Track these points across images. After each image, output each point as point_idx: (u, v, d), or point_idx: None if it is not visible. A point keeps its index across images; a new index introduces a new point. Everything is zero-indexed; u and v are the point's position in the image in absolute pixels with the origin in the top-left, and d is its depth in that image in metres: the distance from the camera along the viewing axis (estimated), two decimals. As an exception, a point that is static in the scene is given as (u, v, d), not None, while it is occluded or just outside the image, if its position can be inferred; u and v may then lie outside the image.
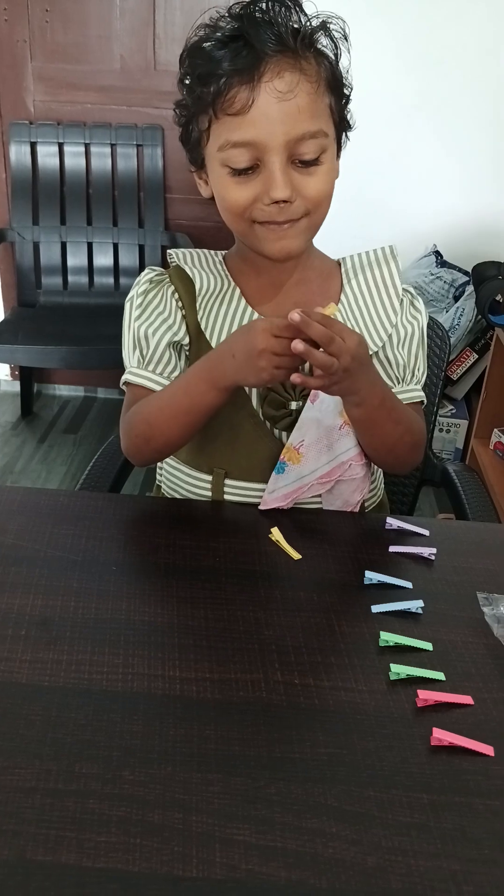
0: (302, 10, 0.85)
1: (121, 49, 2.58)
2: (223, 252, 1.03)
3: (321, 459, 0.96)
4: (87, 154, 2.60)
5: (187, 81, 0.88)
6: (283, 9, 0.84)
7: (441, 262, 2.61)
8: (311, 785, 0.62)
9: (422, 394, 1.02)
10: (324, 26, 0.86)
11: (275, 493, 0.96)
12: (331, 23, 0.86)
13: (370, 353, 0.99)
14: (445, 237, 2.68)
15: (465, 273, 2.58)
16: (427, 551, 0.90)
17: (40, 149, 2.58)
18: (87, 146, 2.60)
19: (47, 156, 2.59)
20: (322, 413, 0.95)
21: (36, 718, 0.66)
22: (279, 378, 0.83)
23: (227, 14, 0.85)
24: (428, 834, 0.59)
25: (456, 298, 2.54)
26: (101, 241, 2.65)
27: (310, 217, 0.88)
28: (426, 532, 0.94)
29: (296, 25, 0.84)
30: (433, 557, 0.90)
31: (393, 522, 0.95)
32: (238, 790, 0.61)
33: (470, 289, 2.48)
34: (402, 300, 1.00)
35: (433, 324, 1.30)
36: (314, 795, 0.61)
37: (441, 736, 0.66)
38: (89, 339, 2.34)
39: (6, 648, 0.73)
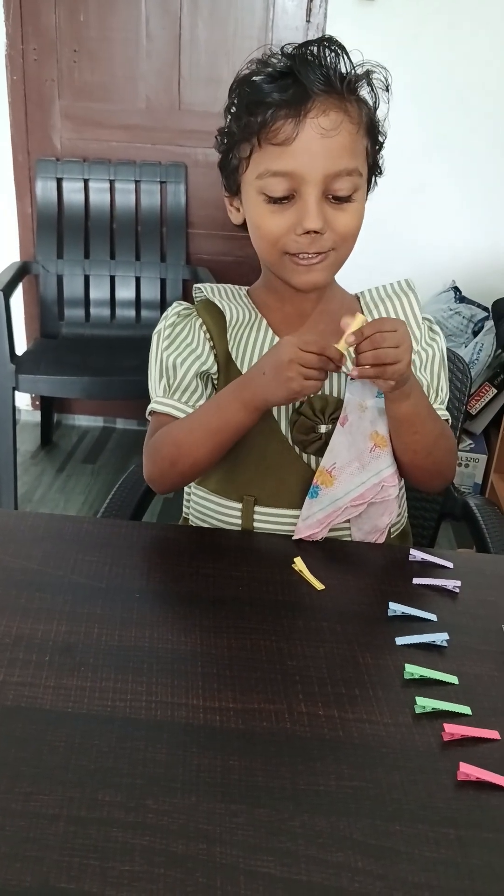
0: (349, 58, 0.89)
1: (146, 89, 2.64)
2: (246, 287, 1.06)
3: (354, 481, 0.97)
4: (112, 190, 2.65)
5: (234, 110, 0.92)
6: (332, 54, 0.88)
7: (460, 298, 2.63)
8: (336, 818, 0.61)
9: (447, 413, 1.04)
10: (368, 75, 0.90)
11: (309, 520, 0.96)
12: (375, 72, 0.91)
13: None
14: (464, 273, 2.70)
15: (484, 309, 2.59)
16: (451, 584, 0.89)
17: (66, 185, 2.63)
18: (111, 182, 2.65)
19: (73, 191, 2.64)
20: (353, 435, 0.96)
21: (59, 745, 0.66)
22: (308, 389, 0.84)
23: (279, 52, 0.89)
24: (455, 870, 0.58)
25: (475, 333, 2.55)
26: (124, 275, 2.69)
27: (336, 252, 0.92)
28: (450, 564, 0.94)
29: (343, 70, 0.88)
30: (457, 590, 0.89)
31: (417, 554, 0.95)
32: (263, 822, 0.60)
33: (489, 324, 2.49)
34: (421, 329, 1.02)
35: (454, 357, 1.31)
36: (339, 829, 0.60)
37: (468, 771, 0.65)
38: (110, 370, 2.37)
39: (30, 674, 0.73)
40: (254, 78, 0.90)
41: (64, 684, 0.72)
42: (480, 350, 2.45)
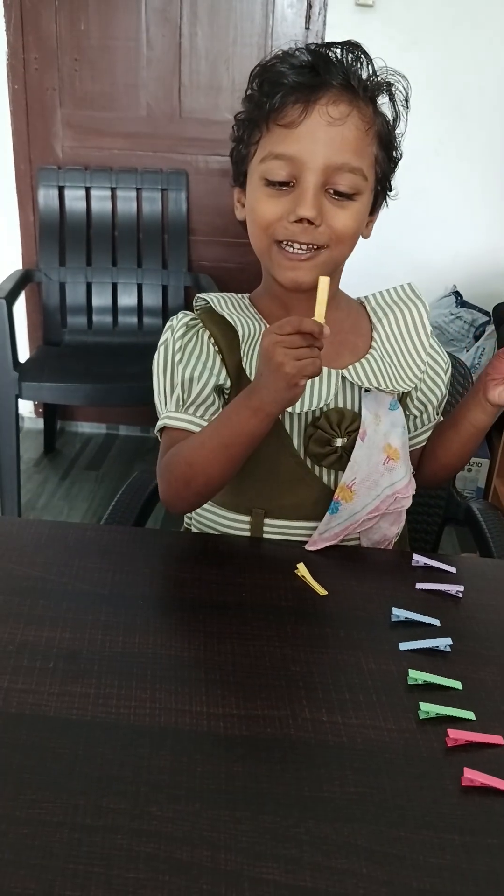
0: (371, 65, 0.90)
1: (147, 97, 2.65)
2: (248, 294, 1.04)
3: (370, 495, 0.97)
4: (114, 198, 2.66)
5: (250, 93, 0.91)
6: (354, 59, 0.88)
7: (461, 303, 2.64)
8: (340, 824, 0.61)
9: None
10: (389, 87, 0.91)
11: (326, 534, 0.96)
12: (396, 85, 0.91)
13: (403, 392, 1.01)
14: (465, 278, 2.71)
15: (486, 313, 2.59)
16: (454, 588, 0.89)
17: (68, 193, 2.65)
18: (113, 190, 2.66)
19: (75, 199, 2.65)
20: (370, 449, 0.96)
21: (64, 752, 0.66)
22: (305, 369, 0.79)
23: (304, 48, 0.90)
24: (460, 876, 0.58)
25: (476, 338, 2.55)
26: (126, 282, 2.69)
27: (329, 251, 0.90)
28: (453, 569, 0.94)
29: (364, 75, 0.89)
30: (461, 595, 0.89)
31: (419, 559, 0.95)
32: (267, 828, 0.60)
33: (490, 328, 2.49)
34: (430, 341, 1.02)
35: (455, 362, 1.31)
36: (344, 835, 0.60)
37: (473, 776, 0.65)
38: (113, 377, 2.37)
39: (34, 681, 0.73)
40: (274, 64, 0.90)
41: (68, 691, 0.72)
42: (482, 355, 2.45)
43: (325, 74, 0.86)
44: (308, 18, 2.54)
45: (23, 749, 0.66)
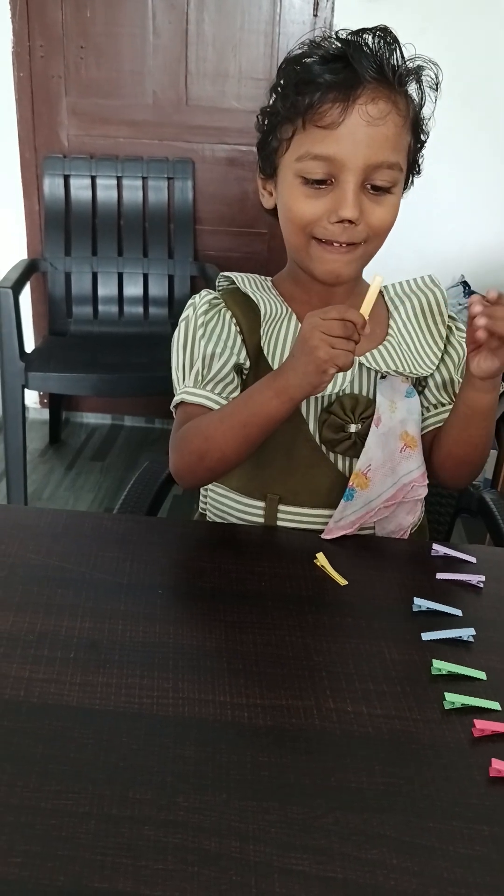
0: (402, 51, 0.88)
1: (153, 84, 2.63)
2: (270, 278, 1.04)
3: (386, 483, 0.96)
4: (119, 187, 2.64)
5: (280, 89, 0.90)
6: (386, 45, 0.87)
7: (469, 293, 2.62)
8: (369, 815, 0.60)
9: None
10: (419, 71, 0.89)
11: (342, 522, 0.95)
12: (426, 68, 0.90)
13: (421, 376, 1.00)
14: (474, 267, 2.69)
15: (494, 303, 2.57)
16: (475, 578, 0.88)
17: (73, 181, 2.63)
18: (118, 179, 2.64)
19: (80, 188, 2.63)
20: (386, 436, 0.95)
21: (87, 742, 0.65)
22: (337, 359, 0.79)
23: (333, 36, 0.88)
24: (490, 867, 0.57)
25: (485, 328, 2.54)
26: (132, 272, 2.68)
27: (367, 244, 0.91)
28: (473, 559, 0.93)
29: (396, 62, 0.87)
30: (482, 585, 0.88)
31: (439, 549, 0.94)
32: (295, 819, 0.60)
33: (499, 319, 2.48)
34: (448, 326, 1.01)
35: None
36: (373, 826, 0.60)
37: (501, 767, 0.64)
38: (119, 367, 2.36)
39: (56, 671, 0.72)
40: (305, 59, 0.88)
41: (90, 681, 0.71)
42: (490, 345, 2.44)
43: (359, 66, 0.84)
44: (316, 5, 2.51)
45: (46, 739, 0.65)
